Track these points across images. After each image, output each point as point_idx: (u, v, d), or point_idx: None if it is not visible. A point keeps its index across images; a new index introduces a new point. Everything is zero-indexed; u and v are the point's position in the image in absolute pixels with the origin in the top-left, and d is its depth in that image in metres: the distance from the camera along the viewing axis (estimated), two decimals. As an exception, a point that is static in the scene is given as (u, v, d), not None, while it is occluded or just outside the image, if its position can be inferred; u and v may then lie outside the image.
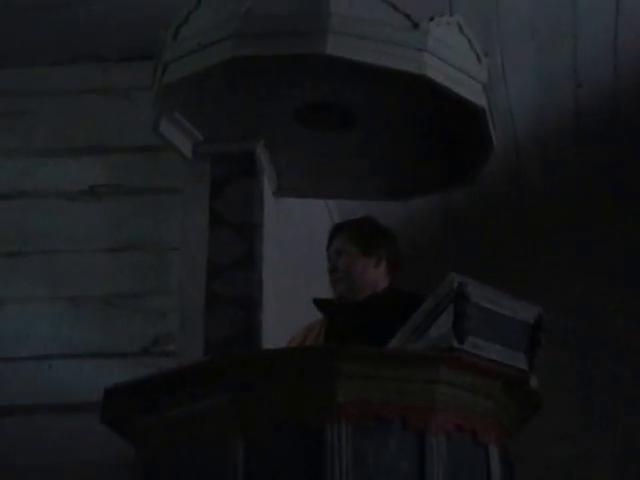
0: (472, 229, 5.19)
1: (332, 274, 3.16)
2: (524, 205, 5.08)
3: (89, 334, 3.32)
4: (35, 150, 3.54)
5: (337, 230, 3.22)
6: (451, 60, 2.94)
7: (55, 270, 3.41)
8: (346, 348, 2.66)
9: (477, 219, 5.11)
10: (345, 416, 2.53)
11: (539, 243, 5.34)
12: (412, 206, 4.28)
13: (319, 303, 3.20)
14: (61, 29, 3.50)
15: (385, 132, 3.28)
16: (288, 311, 3.66)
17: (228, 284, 3.21)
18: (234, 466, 2.54)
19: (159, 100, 3.10)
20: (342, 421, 2.52)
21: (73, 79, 3.59)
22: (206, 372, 2.67)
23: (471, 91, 3.00)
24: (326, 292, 4.25)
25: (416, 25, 2.88)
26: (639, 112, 4.49)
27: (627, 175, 4.92)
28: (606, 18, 3.94)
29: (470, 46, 3.00)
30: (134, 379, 2.86)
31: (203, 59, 2.93)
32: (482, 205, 4.97)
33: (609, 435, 5.02)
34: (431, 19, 2.90)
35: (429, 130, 3.26)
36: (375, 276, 3.14)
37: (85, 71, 3.59)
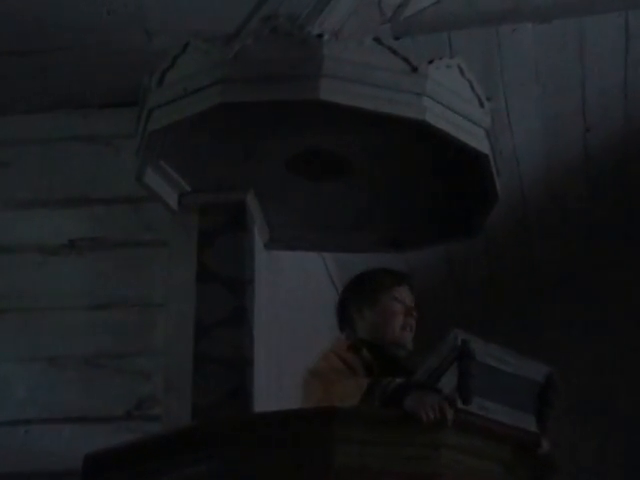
0: (477, 281, 5.20)
1: (409, 321, 3.16)
2: (532, 255, 5.09)
3: (68, 397, 3.30)
4: (11, 202, 3.54)
5: (412, 283, 3.25)
6: (452, 104, 2.96)
7: (32, 329, 3.39)
8: (343, 410, 2.67)
9: (482, 271, 5.11)
10: (342, 484, 2.53)
11: (549, 295, 5.34)
12: (413, 258, 4.29)
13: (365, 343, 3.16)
14: (39, 74, 3.50)
15: (383, 181, 3.30)
16: (282, 371, 3.66)
17: (217, 343, 3.21)
18: (224, 538, 2.54)
19: (143, 148, 3.12)
20: (340, 490, 2.53)
21: (52, 127, 3.59)
22: (193, 438, 2.68)
23: (473, 137, 3.02)
24: (322, 348, 4.25)
25: (414, 68, 2.90)
26: (652, 157, 4.52)
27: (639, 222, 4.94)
28: (615, 59, 3.98)
29: (472, 90, 3.03)
30: (116, 445, 2.86)
31: (190, 105, 2.95)
32: (487, 256, 4.98)
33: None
34: (430, 62, 2.92)
35: (429, 178, 3.28)
36: None
37: (65, 118, 3.59)
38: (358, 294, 3.21)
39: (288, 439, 2.62)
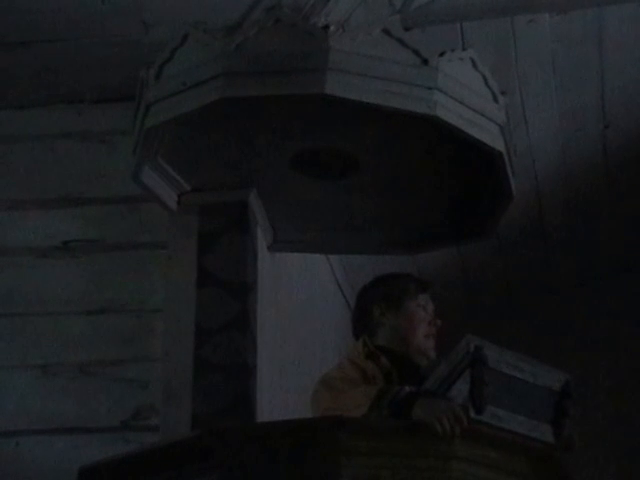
0: (491, 284, 5.19)
1: (432, 330, 3.18)
2: (547, 256, 5.08)
3: (62, 406, 3.29)
4: (2, 202, 3.53)
5: (433, 291, 3.27)
6: (464, 99, 2.95)
7: (24, 335, 3.39)
8: (350, 420, 2.66)
9: (496, 273, 5.11)
10: (350, 498, 2.53)
11: (566, 297, 5.32)
12: (424, 260, 4.29)
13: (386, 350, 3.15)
14: (31, 68, 3.50)
15: (392, 179, 3.29)
16: (286, 378, 3.65)
17: (218, 349, 3.20)
18: None
19: (140, 145, 3.11)
20: (347, 503, 2.52)
21: (45, 123, 3.59)
22: (194, 449, 2.67)
23: (487, 133, 3.01)
24: (329, 355, 4.25)
25: (425, 61, 2.89)
26: (674, 155, 4.50)
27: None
28: (635, 51, 3.97)
29: (485, 83, 3.02)
30: (112, 457, 2.85)
31: (189, 100, 2.94)
32: (501, 257, 4.97)
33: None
34: (442, 54, 2.92)
35: (441, 176, 3.27)
36: None
37: (58, 114, 3.59)
38: (383, 298, 3.20)
39: (293, 450, 2.61)
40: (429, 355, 3.13)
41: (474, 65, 2.99)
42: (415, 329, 3.14)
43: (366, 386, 2.91)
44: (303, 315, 4.03)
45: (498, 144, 3.04)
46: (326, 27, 2.91)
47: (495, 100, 3.04)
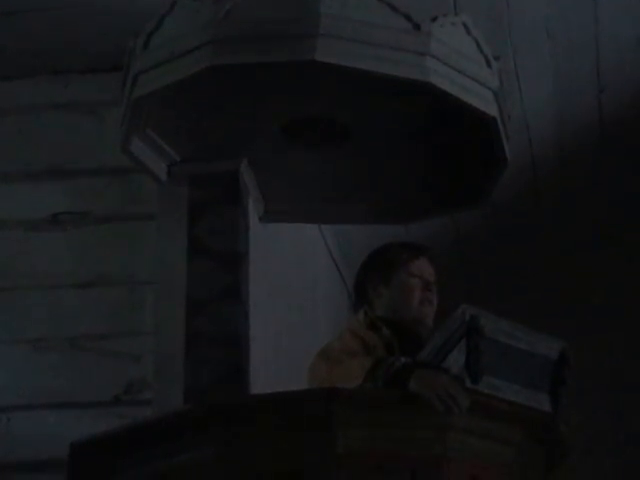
0: (485, 253, 5.20)
1: (427, 295, 3.18)
2: (542, 224, 5.09)
3: (53, 381, 3.30)
4: (-11, 175, 3.55)
5: (431, 255, 3.26)
6: (457, 65, 2.95)
7: (14, 310, 3.39)
8: (345, 391, 2.67)
9: (491, 241, 5.11)
10: (346, 469, 2.53)
11: (561, 266, 5.34)
12: (417, 229, 4.28)
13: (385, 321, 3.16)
14: (16, 38, 3.49)
15: (384, 148, 3.29)
16: (279, 349, 3.66)
17: (210, 321, 3.21)
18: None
19: (129, 116, 3.10)
20: (342, 475, 2.52)
21: (31, 94, 3.59)
22: (187, 422, 2.68)
23: (481, 99, 3.01)
24: (322, 325, 4.26)
25: (417, 26, 2.89)
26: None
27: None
28: (630, 15, 3.96)
29: (478, 49, 3.01)
30: (104, 432, 2.86)
31: (178, 69, 2.93)
32: (496, 226, 4.98)
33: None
34: (434, 19, 2.91)
35: (434, 144, 3.27)
36: None
37: (45, 85, 3.59)
38: (373, 272, 3.23)
39: (287, 423, 2.62)
40: (426, 323, 3.14)
41: (467, 30, 2.98)
42: (407, 299, 3.15)
43: (363, 357, 2.92)
44: (295, 286, 4.04)
45: (492, 109, 3.04)
46: (317, -8, 2.90)
47: (488, 65, 3.04)
